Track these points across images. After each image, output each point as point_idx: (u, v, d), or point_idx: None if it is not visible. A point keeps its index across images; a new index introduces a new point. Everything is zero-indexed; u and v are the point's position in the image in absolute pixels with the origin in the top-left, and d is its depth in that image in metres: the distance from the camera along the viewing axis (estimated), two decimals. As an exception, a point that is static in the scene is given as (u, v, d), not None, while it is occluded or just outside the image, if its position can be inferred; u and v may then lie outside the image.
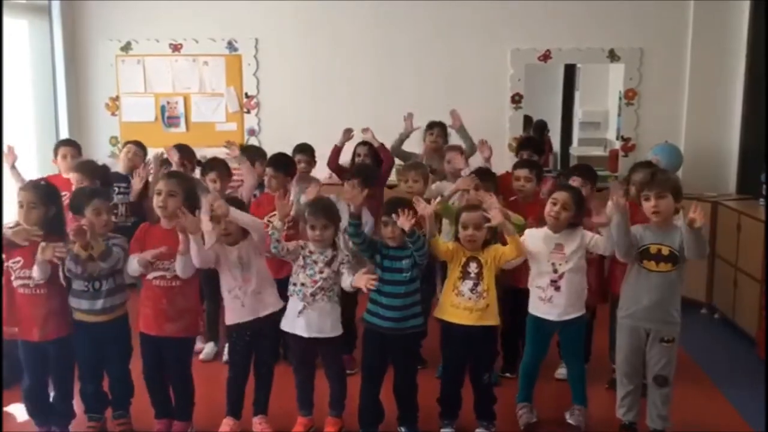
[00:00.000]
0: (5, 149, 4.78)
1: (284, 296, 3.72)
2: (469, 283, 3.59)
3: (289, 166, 4.58)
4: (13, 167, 4.76)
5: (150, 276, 3.51)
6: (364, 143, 5.18)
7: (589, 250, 3.69)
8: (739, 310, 5.23)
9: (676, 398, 3.70)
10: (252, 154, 5.01)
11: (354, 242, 3.58)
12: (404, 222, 3.39)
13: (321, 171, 5.19)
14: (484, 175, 4.28)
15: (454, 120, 5.31)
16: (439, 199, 4.11)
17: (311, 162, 4.96)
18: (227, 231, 3.59)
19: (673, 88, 6.41)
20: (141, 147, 5.36)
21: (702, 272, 5.61)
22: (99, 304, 3.49)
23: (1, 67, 5.33)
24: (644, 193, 3.49)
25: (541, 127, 7.69)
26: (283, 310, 3.69)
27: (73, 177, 4.51)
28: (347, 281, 3.56)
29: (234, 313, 3.66)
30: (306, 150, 4.96)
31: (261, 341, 3.68)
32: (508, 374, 4.39)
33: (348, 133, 5.21)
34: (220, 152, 4.93)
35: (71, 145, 5.19)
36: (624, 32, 6.43)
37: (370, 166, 4.98)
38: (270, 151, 4.97)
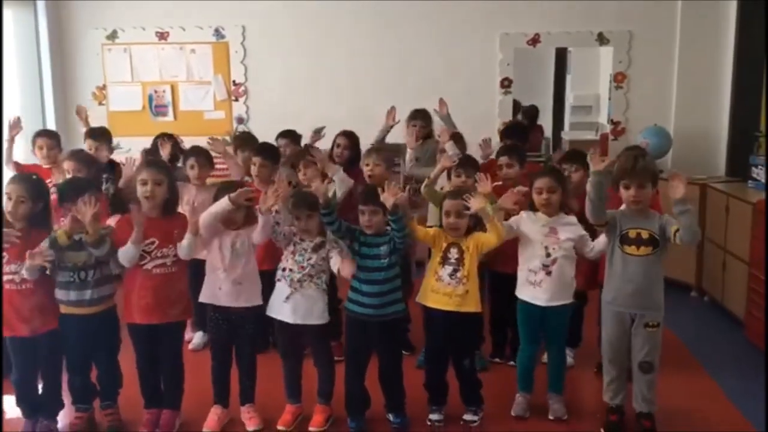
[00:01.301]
0: (12, 119, 4.83)
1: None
2: (449, 269, 3.59)
3: (276, 155, 4.59)
4: (11, 140, 4.77)
5: (149, 265, 3.49)
6: (343, 133, 5.04)
7: (577, 247, 3.70)
8: (728, 293, 5.24)
9: (665, 380, 3.71)
10: (244, 141, 4.99)
11: (330, 229, 3.57)
12: (388, 197, 3.39)
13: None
14: (467, 162, 4.26)
15: (441, 107, 5.27)
16: (425, 182, 4.12)
17: (292, 147, 4.93)
18: (233, 219, 3.59)
19: (663, 71, 6.39)
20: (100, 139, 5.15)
21: (691, 255, 5.62)
22: (87, 294, 3.47)
23: (0, 62, 5.32)
24: (624, 182, 3.47)
25: (531, 112, 7.67)
26: (263, 306, 3.70)
27: (67, 165, 4.47)
28: (335, 266, 3.56)
29: (210, 293, 3.65)
30: (287, 135, 4.96)
31: (239, 332, 3.67)
32: (497, 359, 4.41)
33: (317, 134, 5.13)
34: (205, 143, 4.87)
35: (47, 136, 5.03)
36: (613, 15, 6.40)
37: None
38: (259, 138, 4.96)
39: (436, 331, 3.68)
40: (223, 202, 3.52)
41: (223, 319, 3.65)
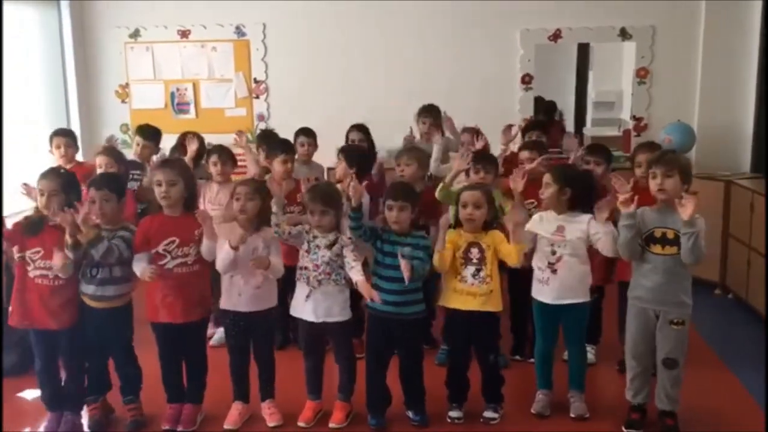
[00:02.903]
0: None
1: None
2: (472, 269, 3.59)
3: (294, 150, 4.69)
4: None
5: (170, 264, 3.51)
6: (357, 127, 5.08)
7: (591, 242, 3.64)
8: (753, 290, 5.17)
9: (688, 379, 3.66)
10: (267, 140, 5.01)
11: (354, 234, 3.55)
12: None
13: (322, 155, 5.17)
14: (485, 158, 4.25)
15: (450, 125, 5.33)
16: (440, 186, 4.10)
17: (314, 145, 4.99)
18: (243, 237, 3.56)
19: (686, 66, 6.33)
20: (152, 137, 5.26)
21: (715, 252, 5.56)
22: (91, 290, 3.51)
23: (0, 63, 5.35)
24: (651, 171, 3.44)
25: (551, 108, 7.61)
26: (280, 304, 3.71)
27: (100, 160, 4.53)
28: (355, 276, 3.51)
29: (229, 299, 3.65)
30: (309, 133, 4.98)
31: (256, 330, 3.68)
32: (518, 357, 4.39)
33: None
34: (227, 140, 4.92)
35: (63, 135, 4.99)
36: (635, 10, 6.34)
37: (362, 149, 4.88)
38: (281, 135, 4.99)
39: (459, 330, 3.66)
40: (227, 249, 3.46)
41: (240, 319, 3.65)
